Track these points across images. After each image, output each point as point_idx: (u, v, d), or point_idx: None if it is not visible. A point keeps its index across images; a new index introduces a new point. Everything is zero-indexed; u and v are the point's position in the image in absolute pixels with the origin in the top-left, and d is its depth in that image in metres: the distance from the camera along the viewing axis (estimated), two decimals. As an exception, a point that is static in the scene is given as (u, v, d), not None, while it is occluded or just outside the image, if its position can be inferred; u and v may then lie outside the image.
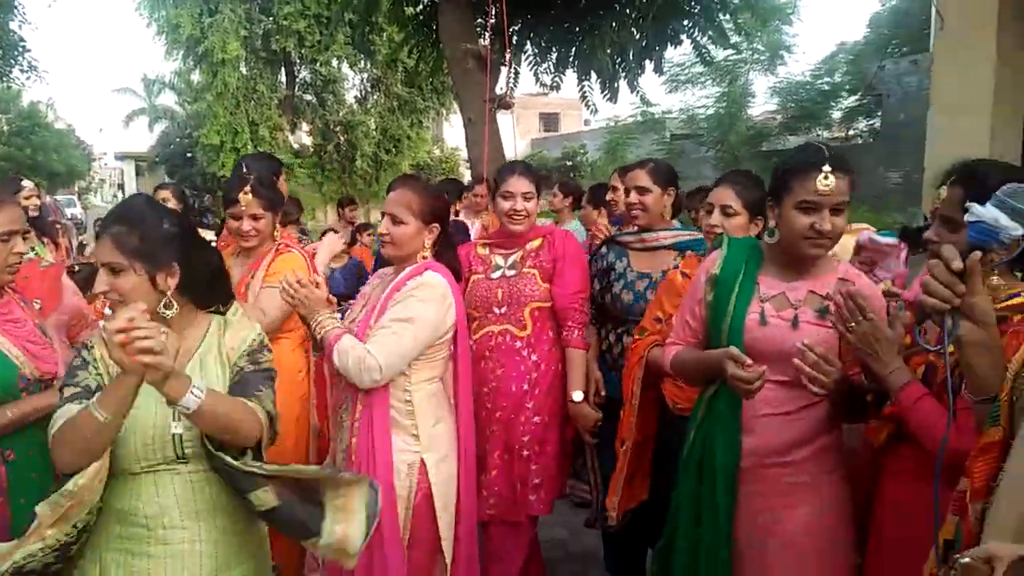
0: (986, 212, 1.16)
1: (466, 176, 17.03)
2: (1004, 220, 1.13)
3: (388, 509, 2.18)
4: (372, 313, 2.30)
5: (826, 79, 16.21)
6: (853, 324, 1.71)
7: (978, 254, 1.16)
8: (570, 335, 2.86)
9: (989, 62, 4.46)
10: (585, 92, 7.62)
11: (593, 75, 7.46)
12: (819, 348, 1.75)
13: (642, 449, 2.60)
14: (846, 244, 3.26)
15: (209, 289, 1.78)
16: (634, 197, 2.88)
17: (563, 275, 2.88)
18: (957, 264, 1.18)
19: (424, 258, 2.39)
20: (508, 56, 6.91)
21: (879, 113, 14.31)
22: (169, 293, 1.67)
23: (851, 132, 16.60)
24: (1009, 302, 1.60)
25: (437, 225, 2.41)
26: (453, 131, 22.88)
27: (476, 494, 2.50)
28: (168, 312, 1.67)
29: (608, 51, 7.03)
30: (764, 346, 1.91)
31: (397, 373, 2.24)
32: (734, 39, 7.71)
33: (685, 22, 7.17)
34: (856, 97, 15.60)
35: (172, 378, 1.46)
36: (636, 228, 2.96)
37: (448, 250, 2.48)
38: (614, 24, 6.97)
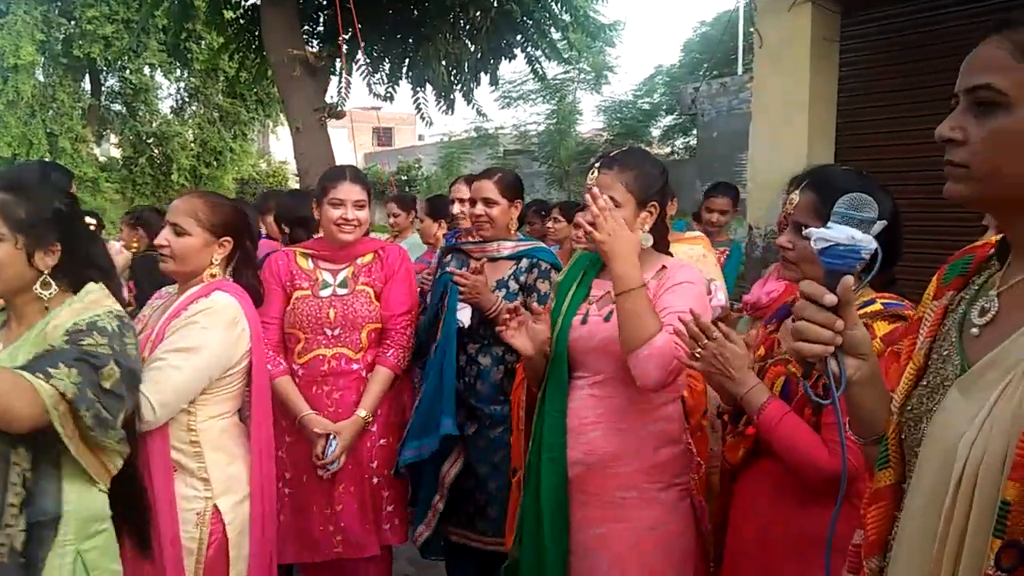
0: (838, 233, 1.02)
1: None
2: (859, 235, 1.02)
3: (173, 567, 1.91)
4: (147, 341, 2.00)
5: (646, 99, 17.21)
6: (699, 350, 1.66)
7: (850, 279, 1.01)
8: (385, 352, 2.69)
9: (803, 74, 4.76)
10: (419, 103, 7.44)
11: (428, 86, 7.30)
12: (704, 319, 1.69)
13: None
14: (680, 252, 3.31)
15: (85, 278, 1.71)
16: (480, 209, 2.77)
17: (390, 294, 2.70)
18: (830, 299, 1.01)
19: (213, 276, 2.12)
20: (340, 65, 6.61)
21: (695, 131, 15.27)
22: (47, 273, 1.64)
23: (670, 149, 17.63)
24: (865, 309, 1.59)
25: (230, 239, 2.15)
26: (281, 144, 21.97)
27: (275, 535, 2.24)
28: (45, 292, 1.64)
29: (443, 62, 6.90)
30: (583, 344, 1.97)
31: (176, 411, 1.96)
32: (566, 55, 7.83)
33: (519, 36, 7.20)
34: (674, 116, 16.63)
35: None
36: (480, 239, 2.86)
37: (248, 268, 2.22)
38: (448, 35, 6.86)
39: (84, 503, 1.61)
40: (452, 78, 7.24)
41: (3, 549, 1.47)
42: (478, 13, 6.81)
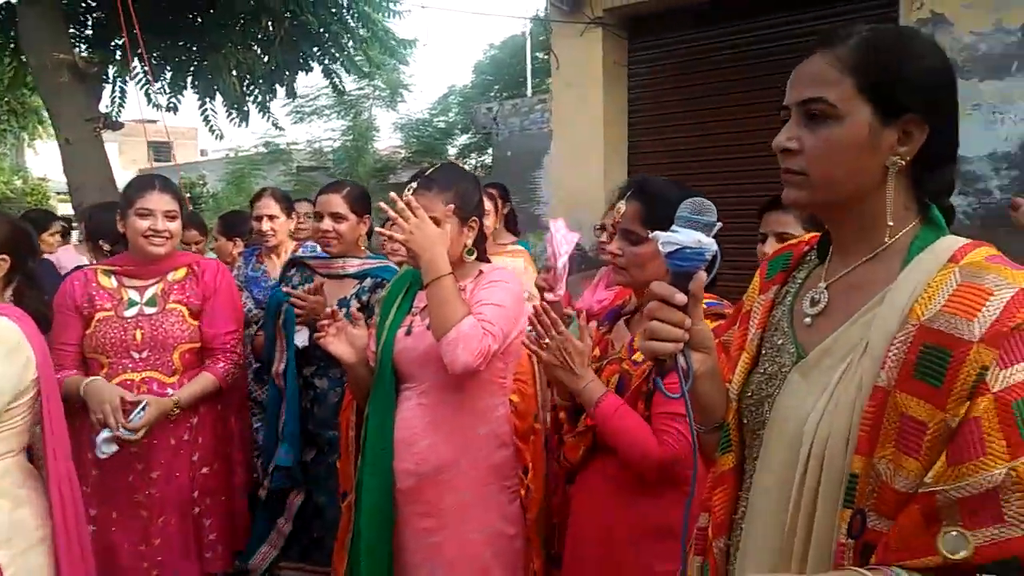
0: (683, 237, 1.07)
1: (60, 208, 14.67)
2: (704, 238, 1.07)
3: None
4: None
5: (442, 118, 17.44)
6: (547, 340, 1.73)
7: (704, 276, 1.07)
8: (215, 363, 2.54)
9: (597, 96, 5.06)
10: (208, 115, 6.98)
11: (219, 97, 6.87)
12: (554, 314, 1.76)
13: None
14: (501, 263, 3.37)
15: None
16: (328, 224, 2.65)
17: (214, 312, 2.54)
18: (681, 298, 1.06)
19: None
20: (114, 72, 6.03)
21: (489, 150, 15.70)
22: None
23: (467, 166, 18.00)
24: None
25: (6, 257, 1.96)
26: (40, 159, 19.65)
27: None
28: None
29: (234, 72, 6.53)
30: (408, 354, 1.99)
31: None
32: (366, 70, 7.73)
33: (315, 48, 6.99)
34: (469, 135, 16.99)
35: None
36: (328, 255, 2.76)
37: (32, 290, 2.04)
38: (238, 44, 6.50)
39: None
40: (245, 89, 6.87)
41: None
42: (271, 23, 6.54)
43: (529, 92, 16.13)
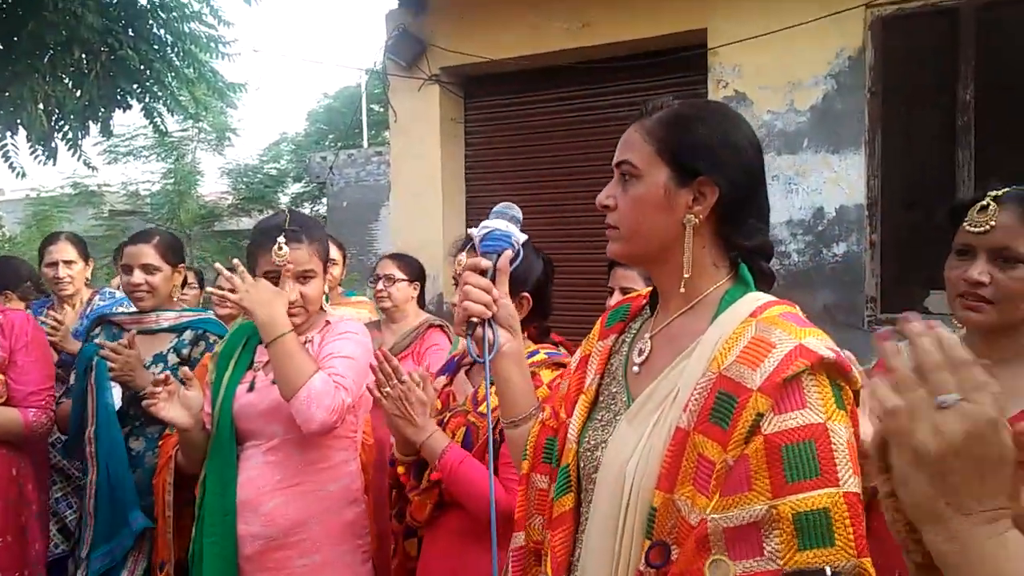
0: (494, 223, 1.29)
1: None
2: (511, 226, 1.29)
3: None
4: None
5: (273, 164, 16.96)
6: (387, 388, 1.72)
7: (508, 254, 1.26)
8: (27, 409, 2.40)
9: (435, 150, 5.14)
10: (8, 151, 6.35)
11: (22, 131, 6.26)
12: (396, 362, 1.77)
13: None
14: (347, 315, 3.31)
15: None
16: (139, 277, 2.49)
17: (24, 367, 2.39)
18: (486, 263, 1.24)
19: None
20: None
21: (324, 200, 15.42)
22: None
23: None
24: (532, 360, 1.74)
25: None
26: None
27: None
28: None
29: (40, 105, 6.00)
30: (252, 409, 1.93)
31: None
32: (192, 111, 7.36)
33: (135, 85, 6.57)
34: (302, 184, 16.61)
35: None
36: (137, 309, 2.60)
37: None
38: (47, 76, 6.00)
39: None
40: (53, 124, 6.32)
41: None
42: (83, 55, 6.09)
43: (365, 144, 16.11)
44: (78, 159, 6.55)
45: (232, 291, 1.83)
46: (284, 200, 16.70)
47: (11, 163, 6.43)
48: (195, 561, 1.89)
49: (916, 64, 4.05)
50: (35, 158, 6.39)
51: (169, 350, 2.52)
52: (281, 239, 1.92)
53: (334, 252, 3.32)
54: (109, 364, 2.37)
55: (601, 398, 1.18)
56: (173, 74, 6.78)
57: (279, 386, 1.83)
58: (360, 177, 13.77)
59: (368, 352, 2.01)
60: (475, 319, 1.22)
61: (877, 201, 4.12)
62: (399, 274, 3.13)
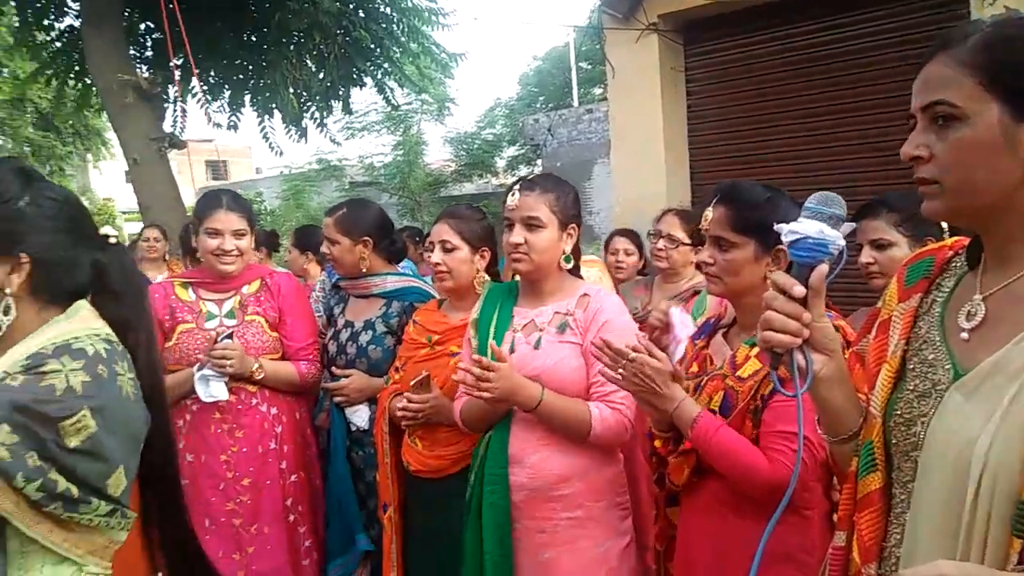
0: (807, 227, 1.03)
1: (127, 227, 15.11)
2: (828, 230, 1.03)
3: None
4: None
5: (489, 130, 17.48)
6: (621, 371, 1.65)
7: (824, 268, 1.02)
8: (298, 361, 2.60)
9: (655, 102, 4.97)
10: (267, 132, 7.10)
11: (277, 114, 6.97)
12: (619, 344, 1.67)
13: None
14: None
15: (74, 296, 1.29)
16: (438, 255, 2.52)
17: (293, 325, 2.59)
18: (799, 290, 1.02)
19: None
20: (175, 91, 6.17)
21: (538, 161, 15.68)
22: (9, 292, 1.22)
23: (515, 178, 17.94)
24: None
25: None
26: (104, 179, 20.31)
27: None
28: (5, 319, 1.21)
29: (291, 90, 6.63)
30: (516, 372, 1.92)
31: None
32: (419, 84, 7.77)
33: (368, 64, 7.06)
34: (516, 147, 16.99)
35: None
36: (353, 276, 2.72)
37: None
38: (294, 61, 6.60)
39: None
40: (302, 105, 6.97)
41: None
42: (324, 40, 6.61)
43: (575, 102, 16.09)
44: (325, 136, 7.21)
45: (486, 382, 1.85)
46: (501, 164, 17.21)
47: (270, 143, 7.21)
48: (472, 507, 2.00)
49: None
50: (289, 137, 7.09)
51: (377, 318, 2.61)
52: (517, 187, 2.01)
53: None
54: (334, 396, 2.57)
55: (911, 365, 1.04)
56: (400, 50, 7.19)
57: (570, 436, 1.92)
58: (572, 136, 13.79)
59: (632, 331, 1.99)
60: (779, 350, 1.04)
61: None
62: (683, 236, 2.93)
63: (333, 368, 2.61)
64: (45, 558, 1.16)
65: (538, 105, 18.39)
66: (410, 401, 2.19)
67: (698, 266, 2.16)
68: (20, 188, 1.27)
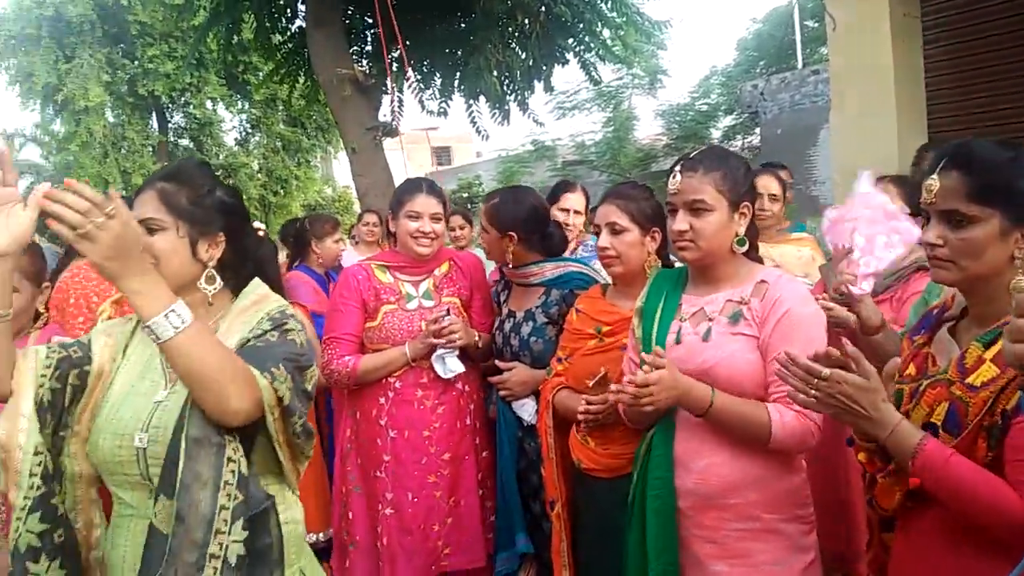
0: None
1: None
2: None
3: None
4: None
5: (703, 101, 16.77)
6: (815, 393, 1.36)
7: None
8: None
9: (885, 56, 4.39)
10: (474, 117, 7.28)
11: (482, 98, 7.13)
12: (804, 358, 1.38)
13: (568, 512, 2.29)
14: (787, 253, 3.00)
15: (249, 279, 1.56)
16: (605, 239, 2.53)
17: (482, 305, 2.70)
18: None
19: None
20: (389, 82, 6.50)
21: (756, 130, 14.75)
22: (212, 265, 1.49)
23: (732, 149, 17.06)
24: None
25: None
26: (343, 168, 22.21)
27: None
28: (209, 288, 1.48)
29: (494, 72, 6.73)
30: (681, 365, 1.74)
31: None
32: (621, 56, 7.55)
33: (570, 40, 6.98)
34: (733, 116, 16.15)
35: (145, 280, 1.24)
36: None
37: None
38: (497, 43, 6.68)
39: (296, 515, 1.51)
40: (504, 88, 7.06)
41: (216, 563, 1.25)
42: (527, 19, 6.63)
43: (800, 64, 14.91)
44: (527, 117, 7.26)
45: (648, 395, 1.70)
46: (716, 135, 16.46)
47: (477, 127, 7.38)
48: (635, 511, 1.85)
49: None
50: (494, 120, 7.22)
51: (537, 308, 2.55)
52: (678, 168, 1.84)
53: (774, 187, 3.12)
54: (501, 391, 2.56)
55: None
56: (603, 23, 7.02)
57: (747, 440, 1.74)
58: (795, 101, 12.82)
59: (822, 327, 1.78)
60: None
61: None
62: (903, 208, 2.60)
63: (497, 361, 2.61)
64: (287, 488, 1.49)
65: (758, 70, 17.31)
66: (590, 403, 2.06)
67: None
68: (213, 181, 1.53)
